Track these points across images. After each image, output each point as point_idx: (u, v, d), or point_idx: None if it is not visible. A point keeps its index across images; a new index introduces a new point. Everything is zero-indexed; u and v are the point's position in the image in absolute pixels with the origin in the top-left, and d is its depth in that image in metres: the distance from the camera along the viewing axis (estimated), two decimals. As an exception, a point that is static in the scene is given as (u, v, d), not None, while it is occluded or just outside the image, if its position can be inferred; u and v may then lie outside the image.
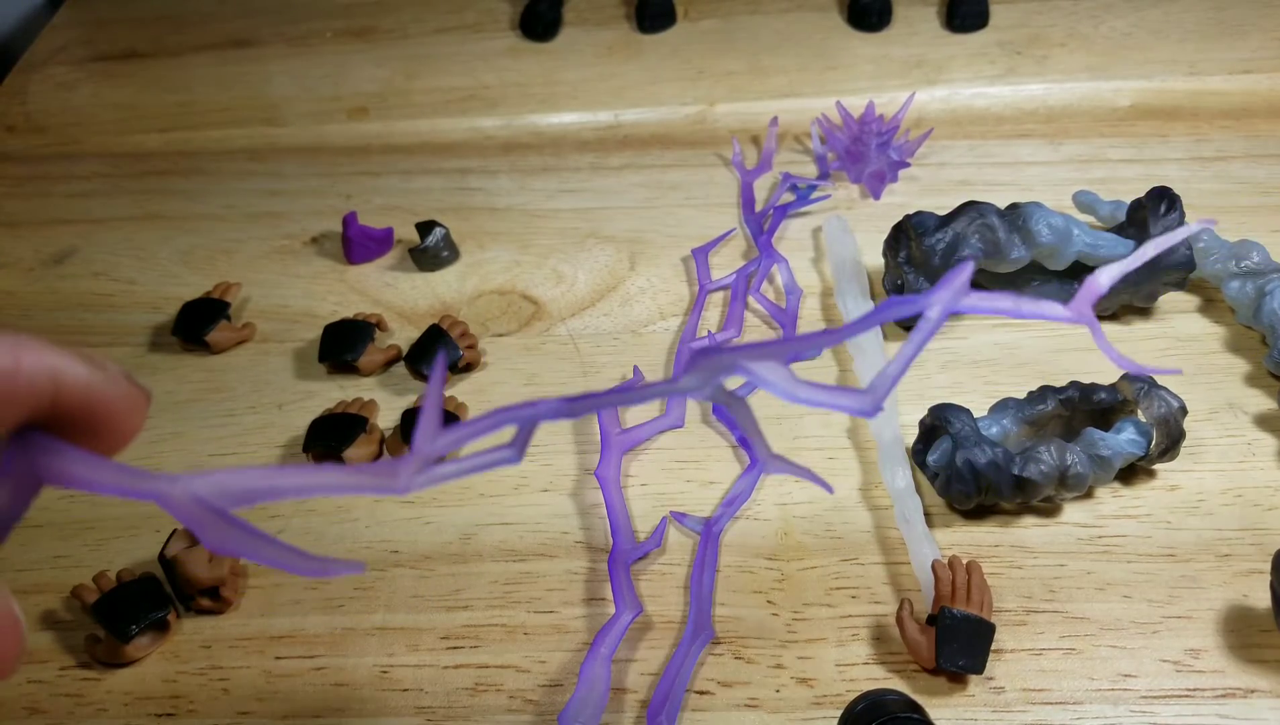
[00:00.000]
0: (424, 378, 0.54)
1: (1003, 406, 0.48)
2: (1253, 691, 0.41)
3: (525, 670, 0.43)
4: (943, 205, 0.56)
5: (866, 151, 0.64)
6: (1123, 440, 0.46)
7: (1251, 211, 0.61)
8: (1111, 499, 0.47)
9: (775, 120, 0.69)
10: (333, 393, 0.55)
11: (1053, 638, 0.43)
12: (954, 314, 0.24)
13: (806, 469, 0.25)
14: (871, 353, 0.53)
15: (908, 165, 0.65)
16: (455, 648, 0.44)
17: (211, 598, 0.45)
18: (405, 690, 0.43)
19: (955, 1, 0.76)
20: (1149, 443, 0.47)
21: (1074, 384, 0.48)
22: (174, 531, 0.46)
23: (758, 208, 0.64)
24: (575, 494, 0.49)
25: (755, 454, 0.25)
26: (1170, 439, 0.46)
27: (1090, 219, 0.60)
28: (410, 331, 0.58)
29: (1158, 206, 0.54)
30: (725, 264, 0.61)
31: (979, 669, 0.41)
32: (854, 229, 0.60)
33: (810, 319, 0.57)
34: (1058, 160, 0.66)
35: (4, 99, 0.76)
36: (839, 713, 0.39)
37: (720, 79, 0.73)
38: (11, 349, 0.20)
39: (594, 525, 0.48)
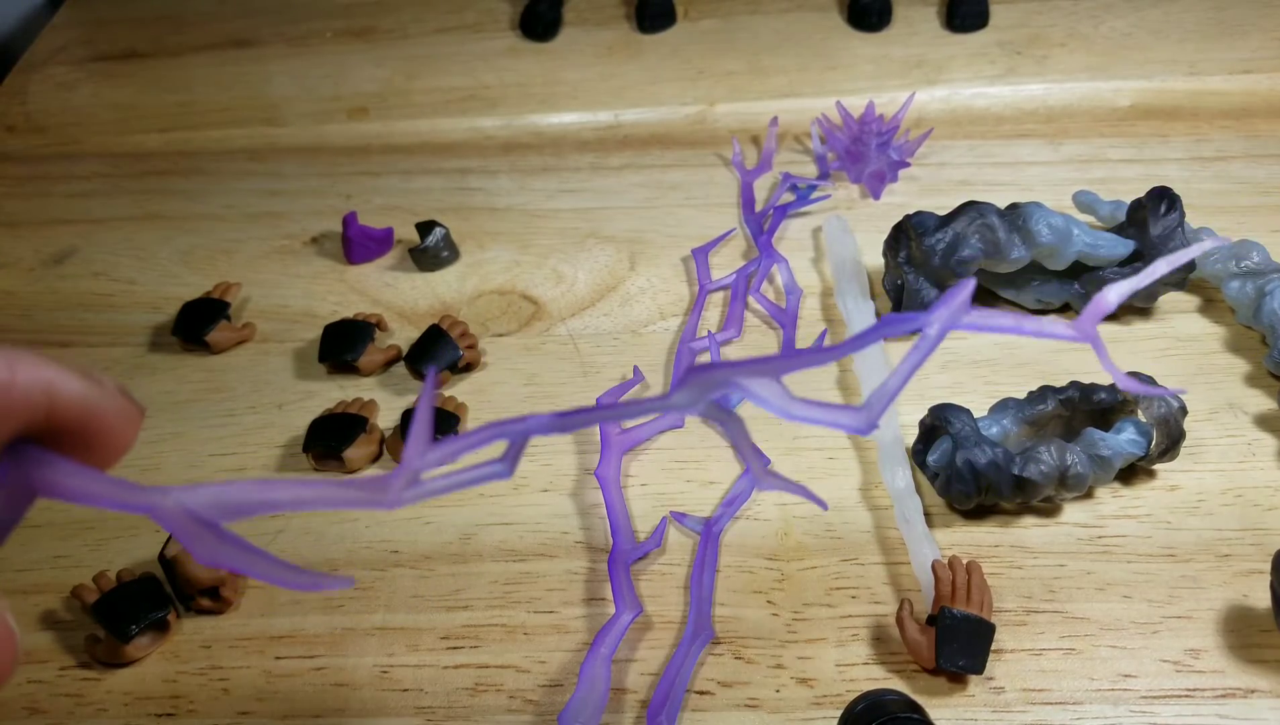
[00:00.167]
0: (424, 378, 0.54)
1: (1003, 406, 0.48)
2: (1253, 691, 0.41)
3: (525, 670, 0.43)
4: (943, 205, 0.56)
5: (866, 151, 0.64)
6: (1123, 440, 0.46)
7: (1251, 211, 0.61)
8: (1111, 499, 0.47)
9: (775, 120, 0.69)
10: (333, 393, 0.55)
11: (1053, 638, 0.43)
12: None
13: (800, 486, 0.25)
14: (871, 352, 0.53)
15: (908, 165, 0.65)
16: (455, 648, 0.44)
17: (211, 598, 0.45)
18: (405, 690, 0.43)
19: (955, 1, 0.76)
20: (1149, 443, 0.47)
21: (1074, 384, 0.48)
22: (174, 531, 0.46)
23: (758, 208, 0.64)
24: (575, 494, 0.49)
25: (749, 470, 0.25)
26: (1170, 439, 0.46)
27: (1090, 219, 0.60)
28: (410, 331, 0.58)
29: (1158, 206, 0.54)
30: (725, 264, 0.61)
31: (979, 669, 0.41)
32: (854, 229, 0.61)
33: (810, 319, 0.57)
34: (1058, 160, 0.66)
35: (4, 99, 0.76)
36: (839, 713, 0.39)
37: (720, 79, 0.73)
38: (7, 363, 0.20)
39: (594, 525, 0.48)
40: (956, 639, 0.40)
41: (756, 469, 0.25)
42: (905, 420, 0.50)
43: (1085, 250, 0.53)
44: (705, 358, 0.55)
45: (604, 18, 0.79)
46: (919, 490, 0.47)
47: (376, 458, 0.51)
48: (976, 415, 0.47)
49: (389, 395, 0.54)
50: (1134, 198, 0.55)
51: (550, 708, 0.42)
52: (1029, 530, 0.46)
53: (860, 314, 0.55)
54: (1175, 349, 0.54)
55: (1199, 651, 0.42)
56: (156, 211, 0.67)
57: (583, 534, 0.48)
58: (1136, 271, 0.53)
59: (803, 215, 0.63)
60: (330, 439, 0.50)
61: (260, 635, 0.45)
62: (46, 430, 0.21)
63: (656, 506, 0.49)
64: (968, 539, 0.46)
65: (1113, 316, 0.56)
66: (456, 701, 0.42)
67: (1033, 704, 0.41)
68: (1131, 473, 0.48)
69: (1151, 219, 0.53)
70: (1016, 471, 0.44)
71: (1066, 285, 0.55)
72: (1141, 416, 0.48)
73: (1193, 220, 0.57)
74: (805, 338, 0.56)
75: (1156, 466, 0.48)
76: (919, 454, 0.48)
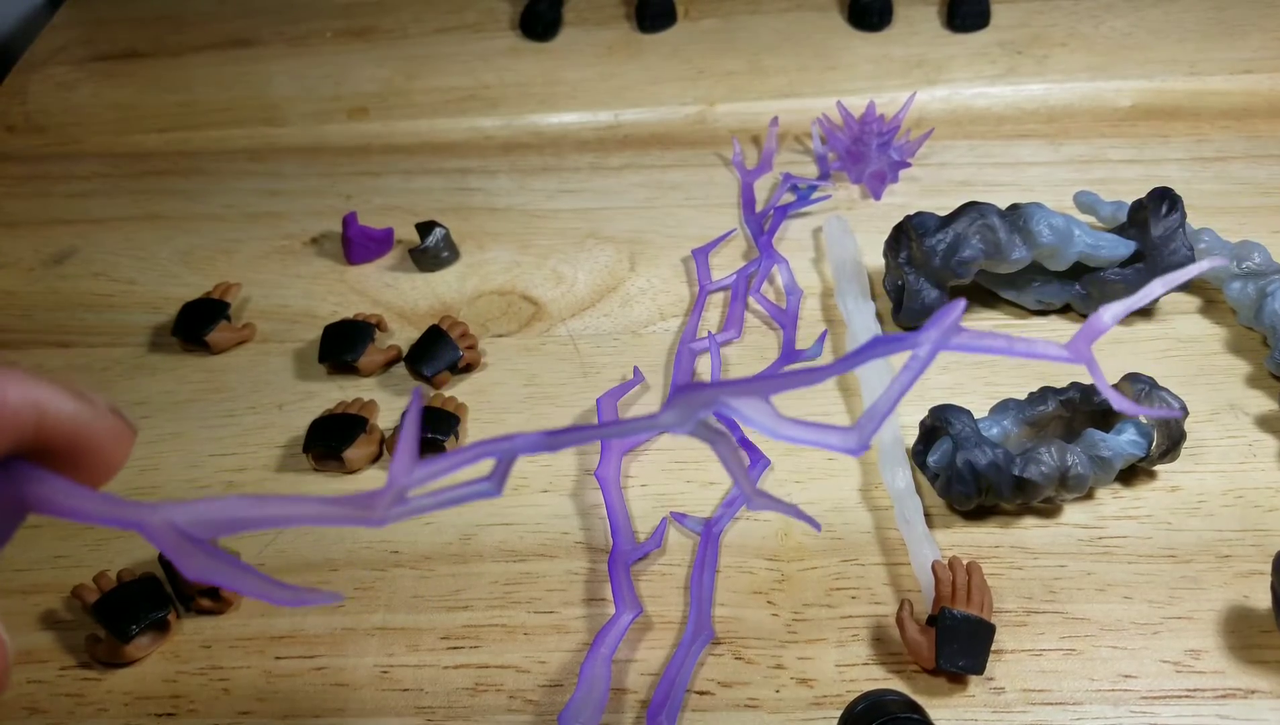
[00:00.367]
0: (424, 378, 0.54)
1: (1003, 407, 0.48)
2: (1253, 692, 0.41)
3: (525, 670, 0.43)
4: (943, 206, 0.56)
5: (867, 151, 0.64)
6: (1123, 441, 0.46)
7: (1252, 212, 0.61)
8: (1112, 500, 0.47)
9: (775, 120, 0.69)
10: (333, 393, 0.55)
11: (1053, 638, 0.43)
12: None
13: (792, 506, 0.25)
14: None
15: (908, 165, 0.65)
16: (455, 648, 0.44)
17: (212, 598, 0.45)
18: (405, 690, 0.43)
19: (956, 1, 0.76)
20: (1150, 444, 0.46)
21: (1074, 385, 0.48)
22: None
23: (758, 208, 0.64)
24: (575, 494, 0.49)
25: (741, 489, 0.25)
26: (1171, 440, 0.46)
27: (1091, 219, 0.60)
28: (410, 332, 0.57)
29: (1158, 207, 0.53)
30: (725, 264, 0.61)
31: (979, 669, 0.41)
32: (854, 229, 0.60)
33: (810, 319, 0.57)
34: (1058, 160, 0.66)
35: (4, 99, 0.76)
36: (839, 713, 0.39)
37: (720, 79, 0.73)
38: None
39: (594, 525, 0.48)
40: (957, 639, 0.40)
41: (747, 489, 0.24)
42: (905, 421, 0.50)
43: (1086, 251, 0.53)
44: (705, 358, 0.55)
45: (604, 18, 0.79)
46: (919, 491, 0.47)
47: (376, 458, 0.51)
48: (977, 416, 0.47)
49: (389, 395, 0.54)
50: (1135, 198, 0.55)
51: (550, 708, 0.42)
52: (1029, 531, 0.46)
53: (860, 314, 0.55)
54: (1176, 350, 0.54)
55: (1199, 652, 0.42)
56: (156, 211, 0.67)
57: (583, 534, 0.48)
58: (1137, 272, 0.53)
59: (803, 215, 0.63)
60: (330, 439, 0.50)
61: (260, 635, 0.45)
62: (37, 448, 0.21)
63: (656, 507, 0.49)
64: (968, 539, 0.46)
65: (1113, 317, 0.55)
66: (456, 701, 0.42)
67: (1033, 704, 0.41)
68: (1132, 474, 0.48)
69: (1152, 219, 0.53)
70: (1017, 472, 0.44)
71: (1067, 286, 0.55)
72: (1142, 418, 0.48)
73: (1193, 221, 0.57)
74: (805, 338, 0.56)
75: (1157, 467, 0.48)
76: (919, 455, 0.48)
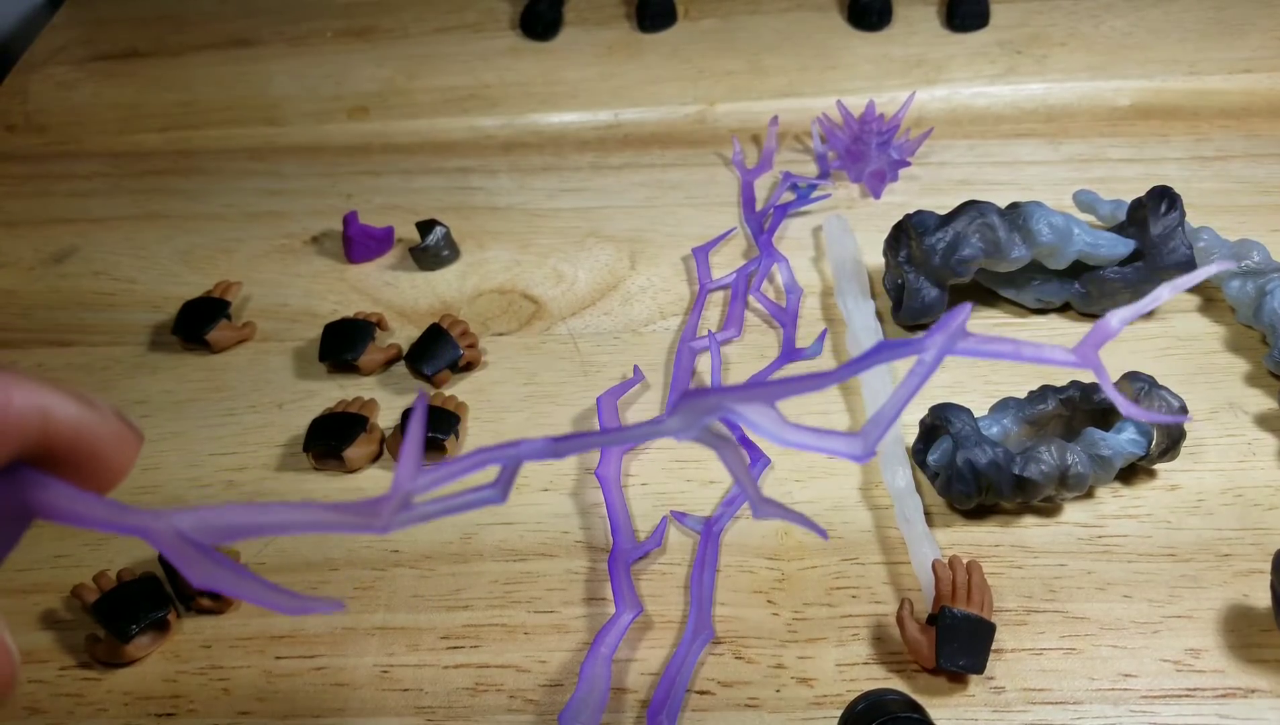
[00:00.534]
0: (424, 377, 0.54)
1: (1003, 406, 0.48)
2: (1253, 691, 0.41)
3: (525, 670, 0.43)
4: (943, 205, 0.56)
5: (867, 151, 0.64)
6: (1123, 440, 0.46)
7: (1251, 211, 0.61)
8: (1112, 499, 0.47)
9: (775, 119, 0.69)
10: (333, 392, 0.55)
11: (1053, 637, 0.43)
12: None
13: (799, 515, 0.24)
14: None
15: (908, 164, 0.65)
16: (455, 648, 0.44)
17: (211, 597, 0.45)
18: (405, 690, 0.43)
19: (955, 1, 0.76)
20: (1149, 442, 0.46)
21: (1074, 383, 0.48)
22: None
23: (758, 207, 0.64)
24: (575, 493, 0.49)
25: (748, 496, 0.25)
26: (1170, 439, 0.46)
27: (1090, 218, 0.60)
28: (411, 331, 0.58)
29: (1158, 206, 0.53)
30: (725, 263, 0.61)
31: (979, 669, 0.41)
32: (854, 228, 0.61)
33: (810, 318, 0.57)
34: (1058, 160, 0.66)
35: (4, 99, 0.76)
36: (839, 713, 0.39)
37: (720, 78, 0.73)
38: (3, 386, 0.20)
39: (594, 525, 0.48)
40: (957, 638, 0.40)
41: (753, 498, 0.24)
42: (905, 420, 0.50)
43: (1086, 249, 0.53)
44: (705, 357, 0.55)
45: (604, 17, 0.79)
46: (919, 490, 0.47)
47: (376, 457, 0.51)
48: (977, 415, 0.47)
49: (389, 394, 0.54)
50: (1134, 197, 0.55)
51: (550, 708, 0.42)
52: (1029, 530, 0.46)
53: (860, 313, 0.55)
54: (1175, 348, 0.54)
55: (1199, 651, 0.42)
56: (157, 211, 0.67)
57: (583, 534, 0.48)
58: (1137, 271, 0.53)
59: (803, 214, 0.63)
60: (330, 438, 0.50)
61: (260, 635, 0.45)
62: (42, 453, 0.21)
63: (657, 506, 0.49)
64: (968, 538, 0.46)
65: (1113, 316, 0.55)
66: (456, 701, 0.42)
67: (1033, 704, 0.41)
68: (1132, 472, 0.48)
69: (1152, 218, 0.53)
70: (1017, 471, 0.44)
71: (1067, 284, 0.55)
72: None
73: (1193, 220, 0.57)
74: (805, 337, 0.56)
75: (1157, 466, 0.48)
76: (919, 453, 0.48)
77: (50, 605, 0.46)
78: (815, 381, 0.23)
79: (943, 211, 0.54)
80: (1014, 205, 0.54)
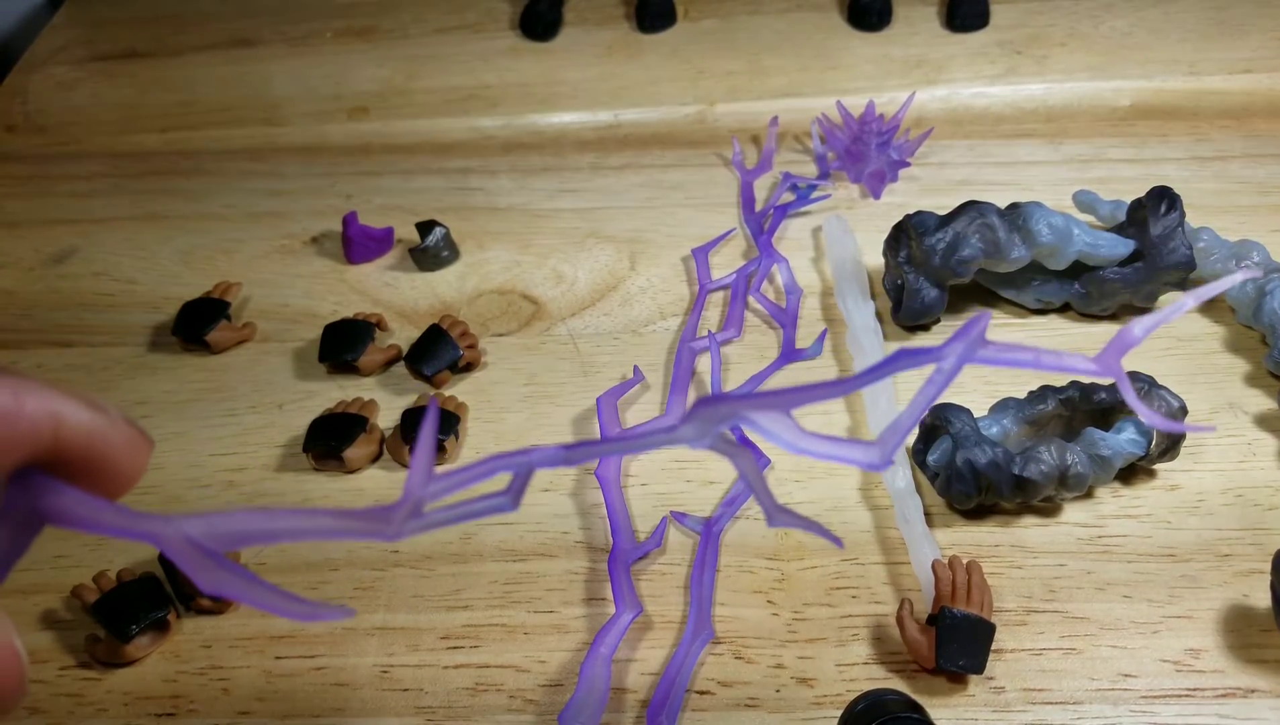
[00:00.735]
0: (424, 377, 0.54)
1: (1003, 406, 0.48)
2: (1253, 691, 0.41)
3: (525, 670, 0.43)
4: (943, 205, 0.56)
5: (867, 151, 0.64)
6: (1123, 440, 0.46)
7: (1251, 211, 0.61)
8: (1112, 499, 0.47)
9: (775, 120, 0.69)
10: (333, 393, 0.55)
11: (1053, 638, 0.43)
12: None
13: (816, 524, 0.24)
14: (872, 354, 0.53)
15: (908, 165, 0.65)
16: (455, 648, 0.44)
17: (211, 597, 0.45)
18: (405, 690, 0.43)
19: (955, 1, 0.76)
20: (1149, 442, 0.46)
21: (1074, 384, 0.48)
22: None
23: (758, 207, 0.64)
24: (575, 494, 0.49)
25: (763, 506, 0.25)
26: (1170, 439, 0.47)
27: (1090, 218, 0.60)
28: (410, 331, 0.58)
29: (1158, 206, 0.53)
30: (725, 264, 0.61)
31: (979, 669, 0.41)
32: (854, 229, 0.61)
33: (810, 319, 0.57)
34: (1058, 160, 0.66)
35: (4, 99, 0.77)
36: (839, 713, 0.39)
37: (720, 79, 0.73)
38: (15, 392, 0.20)
39: (594, 525, 0.48)
40: (957, 639, 0.40)
41: (768, 507, 0.24)
42: (905, 420, 0.50)
43: (1086, 250, 0.53)
44: (705, 357, 0.55)
45: (604, 18, 0.79)
46: (919, 490, 0.47)
47: (376, 457, 0.51)
48: (977, 415, 0.47)
49: (389, 395, 0.54)
50: (1134, 197, 0.55)
51: (550, 708, 0.42)
52: (1029, 530, 0.46)
53: (860, 314, 0.55)
54: (1176, 348, 0.54)
55: (1199, 651, 0.42)
56: (157, 211, 0.67)
57: (583, 534, 0.48)
58: (1136, 271, 0.53)
59: (803, 215, 0.63)
60: (330, 439, 0.50)
61: (260, 635, 0.45)
62: (53, 459, 0.21)
63: (657, 506, 0.49)
64: (968, 539, 0.46)
65: (1112, 316, 0.56)
66: (456, 701, 0.42)
67: (1033, 704, 0.41)
68: (1131, 472, 0.48)
69: (1151, 218, 0.53)
70: (1017, 471, 0.44)
71: (1067, 285, 0.55)
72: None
73: (1193, 220, 0.57)
74: (805, 337, 0.56)
75: (1156, 466, 0.48)
76: (919, 454, 0.48)
77: (50, 605, 0.46)
78: (833, 389, 0.23)
79: (943, 212, 0.54)
80: (1014, 206, 0.54)
